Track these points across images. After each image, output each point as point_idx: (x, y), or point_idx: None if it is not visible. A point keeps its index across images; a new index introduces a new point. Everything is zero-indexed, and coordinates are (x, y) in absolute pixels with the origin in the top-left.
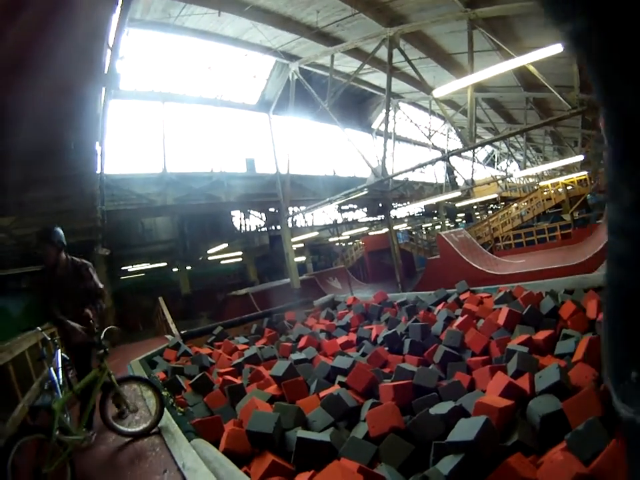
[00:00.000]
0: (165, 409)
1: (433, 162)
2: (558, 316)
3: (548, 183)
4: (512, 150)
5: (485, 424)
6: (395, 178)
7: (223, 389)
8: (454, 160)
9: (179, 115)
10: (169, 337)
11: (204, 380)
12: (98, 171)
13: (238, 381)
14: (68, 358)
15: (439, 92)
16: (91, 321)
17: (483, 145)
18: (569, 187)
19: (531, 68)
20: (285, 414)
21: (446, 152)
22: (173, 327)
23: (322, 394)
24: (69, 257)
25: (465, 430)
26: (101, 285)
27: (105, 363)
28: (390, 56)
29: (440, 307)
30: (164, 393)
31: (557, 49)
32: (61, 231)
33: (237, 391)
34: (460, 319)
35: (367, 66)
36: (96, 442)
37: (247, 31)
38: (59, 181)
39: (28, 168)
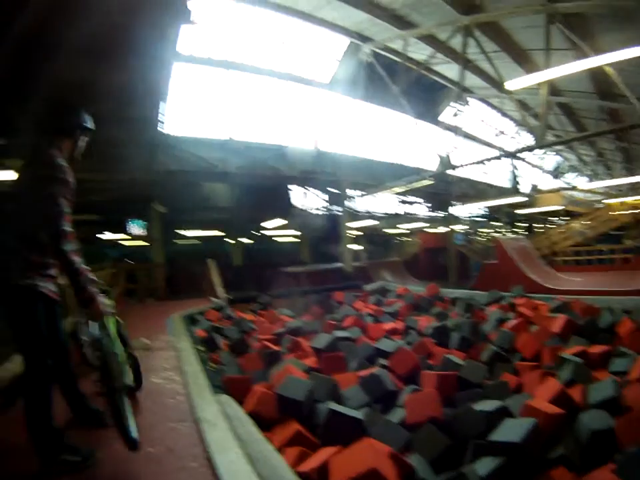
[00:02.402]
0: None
1: (499, 157)
2: (615, 333)
3: (615, 201)
4: (581, 163)
5: (534, 427)
6: (459, 174)
7: (260, 354)
8: (520, 165)
9: (248, 85)
10: (213, 299)
11: (242, 342)
12: (161, 118)
13: (277, 348)
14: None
15: (513, 84)
16: None
17: (553, 144)
18: (637, 210)
19: (609, 70)
20: (319, 384)
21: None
22: (219, 290)
23: (361, 373)
24: None
25: (511, 430)
26: None
27: None
28: (464, 45)
29: (493, 307)
30: (199, 348)
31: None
32: None
33: (274, 357)
34: (513, 322)
35: (439, 55)
36: None
37: (322, 8)
38: (120, 122)
39: (90, 105)
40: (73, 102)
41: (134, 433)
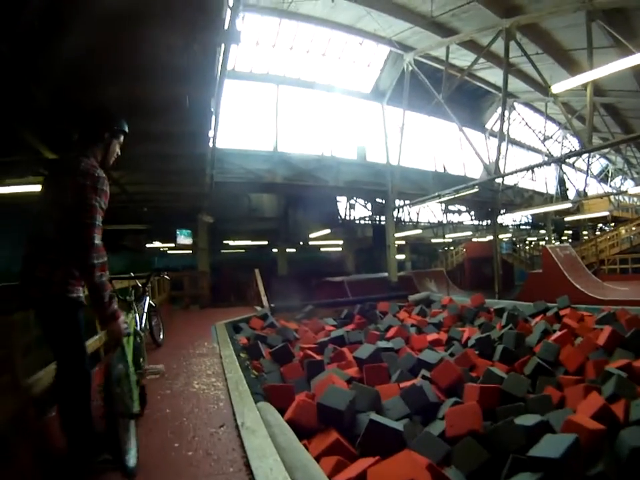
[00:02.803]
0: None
1: (547, 163)
2: None
3: None
4: (628, 166)
5: (574, 443)
6: (506, 182)
7: (302, 362)
8: (567, 170)
9: (292, 97)
10: (257, 307)
11: (285, 350)
12: (210, 133)
13: (319, 357)
14: (155, 305)
15: (559, 87)
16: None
17: (600, 148)
18: None
19: None
20: (361, 395)
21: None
22: (264, 298)
23: (403, 384)
24: None
25: (551, 446)
26: None
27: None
28: (506, 48)
29: (538, 318)
30: (242, 355)
31: None
32: None
33: (316, 366)
34: (558, 334)
35: (482, 60)
36: (160, 386)
37: (361, 19)
38: (170, 137)
39: (140, 120)
40: (102, 108)
41: (132, 462)
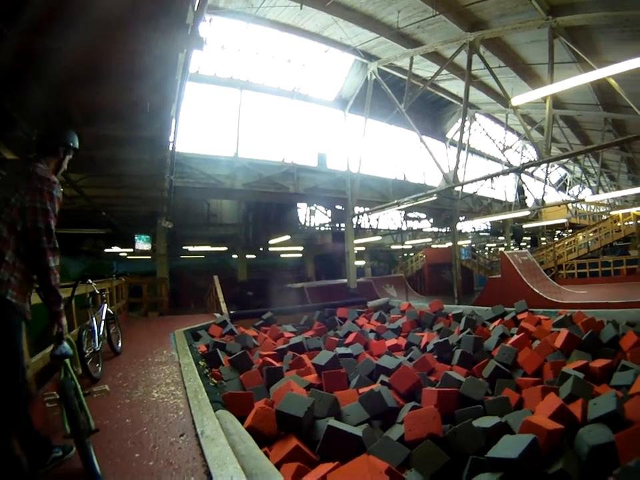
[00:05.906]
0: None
1: (506, 172)
2: (618, 346)
3: (619, 212)
4: (585, 175)
5: (532, 443)
6: (465, 190)
7: (261, 370)
8: (526, 179)
9: (255, 103)
10: (217, 314)
11: (244, 358)
12: (170, 138)
13: (278, 364)
14: (113, 313)
15: (518, 100)
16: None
17: (558, 159)
18: None
19: (612, 82)
20: (319, 401)
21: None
22: (223, 305)
23: (362, 390)
24: None
25: (509, 447)
26: None
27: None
28: (469, 61)
29: (496, 323)
30: (201, 363)
31: None
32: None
33: (275, 374)
34: (515, 337)
35: (445, 72)
36: (120, 395)
37: (328, 27)
38: (130, 142)
39: (101, 124)
40: (58, 123)
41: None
